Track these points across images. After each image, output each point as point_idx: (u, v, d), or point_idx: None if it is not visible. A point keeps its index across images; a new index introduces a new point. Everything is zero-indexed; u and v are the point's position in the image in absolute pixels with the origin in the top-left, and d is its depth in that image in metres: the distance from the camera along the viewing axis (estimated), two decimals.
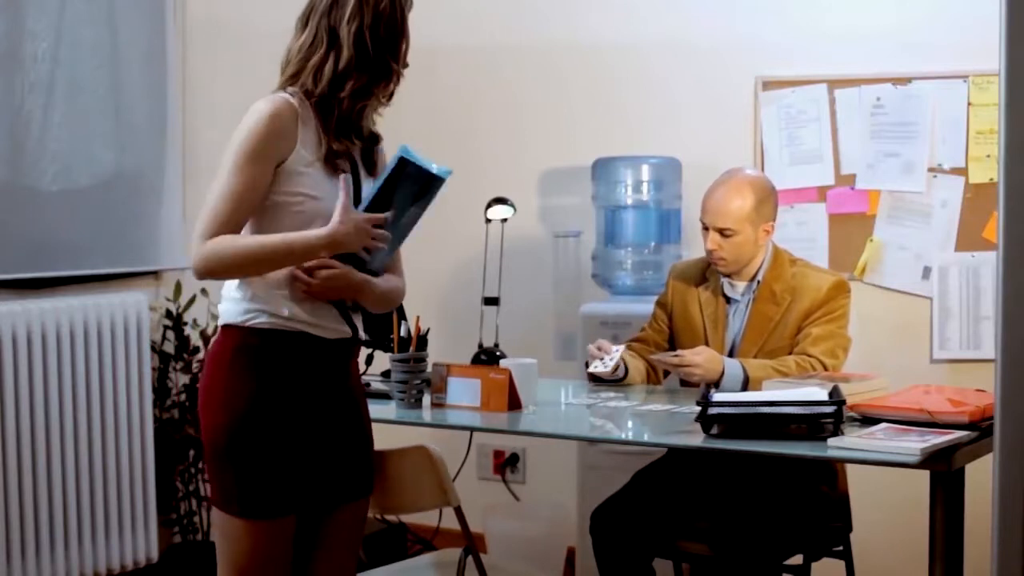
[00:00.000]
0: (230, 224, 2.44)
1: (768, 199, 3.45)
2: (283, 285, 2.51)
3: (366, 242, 2.51)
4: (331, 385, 2.60)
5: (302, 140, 2.50)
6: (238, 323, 2.52)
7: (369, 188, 2.59)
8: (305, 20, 2.56)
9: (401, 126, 4.85)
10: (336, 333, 2.57)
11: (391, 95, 2.60)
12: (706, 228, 3.43)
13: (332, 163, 2.52)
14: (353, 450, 2.65)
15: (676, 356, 3.31)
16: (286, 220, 2.50)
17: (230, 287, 2.56)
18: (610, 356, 3.40)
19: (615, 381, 3.45)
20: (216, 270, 2.46)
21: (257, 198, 2.47)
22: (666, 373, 3.54)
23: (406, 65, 2.58)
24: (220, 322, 2.58)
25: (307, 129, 2.51)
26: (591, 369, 3.41)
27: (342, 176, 2.49)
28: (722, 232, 3.39)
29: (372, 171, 2.65)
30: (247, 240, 2.47)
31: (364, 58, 2.50)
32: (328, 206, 2.48)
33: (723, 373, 3.27)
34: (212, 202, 2.46)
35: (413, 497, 2.90)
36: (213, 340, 2.61)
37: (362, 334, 2.66)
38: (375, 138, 2.68)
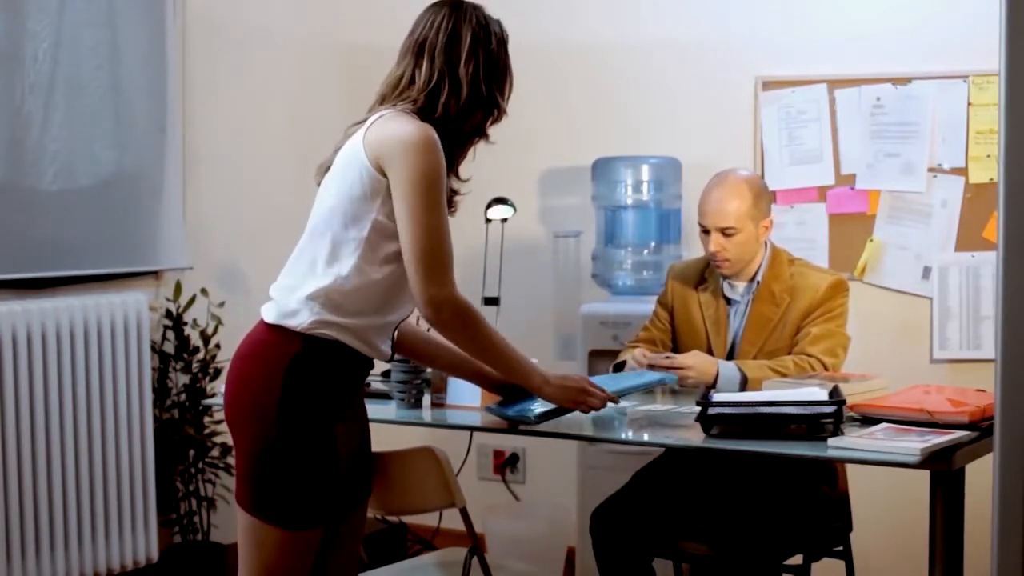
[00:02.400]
0: (447, 253, 2.51)
1: (763, 195, 3.46)
2: (382, 314, 2.55)
3: (578, 406, 2.78)
4: (358, 396, 2.66)
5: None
6: (300, 329, 2.48)
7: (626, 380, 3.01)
8: (419, 52, 2.58)
9: None
10: (379, 354, 2.60)
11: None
12: (706, 231, 3.43)
13: (451, 201, 2.61)
14: (364, 456, 2.68)
15: (667, 359, 3.30)
16: (389, 244, 2.51)
17: (304, 289, 2.50)
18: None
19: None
20: (458, 330, 2.56)
21: None
22: None
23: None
24: (274, 320, 2.50)
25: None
26: None
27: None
28: (724, 232, 3.39)
29: None
30: (496, 334, 2.62)
31: (479, 97, 2.58)
32: None
33: (718, 375, 3.27)
34: (432, 239, 2.47)
35: (418, 498, 2.90)
36: (256, 338, 2.53)
37: None
38: None
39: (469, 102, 2.56)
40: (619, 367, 3.50)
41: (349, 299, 2.49)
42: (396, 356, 3.28)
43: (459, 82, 2.55)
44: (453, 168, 2.64)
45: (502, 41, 2.63)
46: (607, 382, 3.00)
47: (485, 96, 2.58)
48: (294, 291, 2.51)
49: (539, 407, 2.87)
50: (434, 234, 2.46)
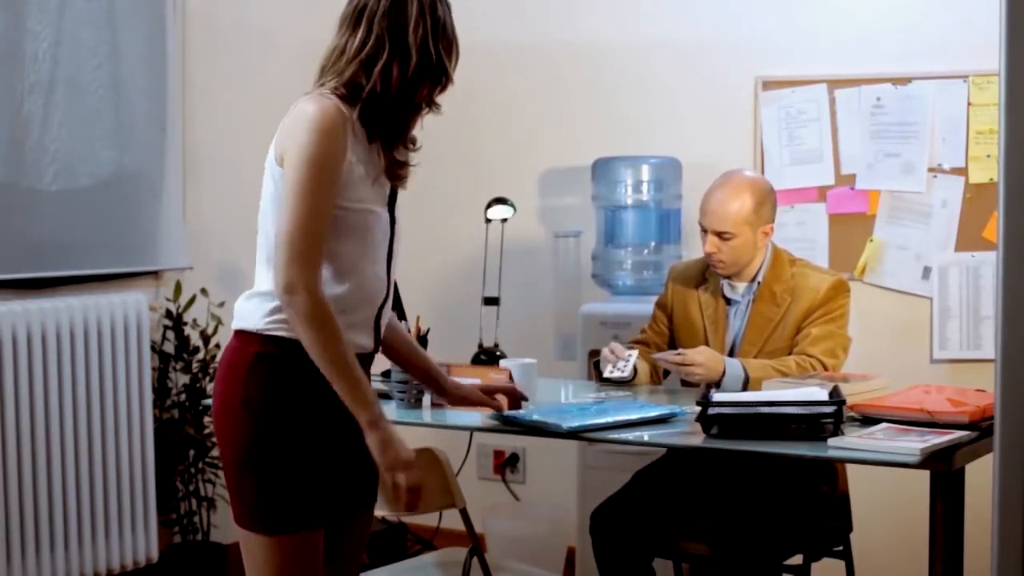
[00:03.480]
0: (321, 242, 2.35)
1: (766, 201, 3.44)
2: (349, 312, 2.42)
3: (386, 484, 2.41)
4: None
5: (352, 148, 2.40)
6: (256, 329, 2.43)
7: None
8: (355, 20, 2.43)
9: None
10: (358, 348, 2.45)
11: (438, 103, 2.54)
12: (705, 231, 3.43)
13: (393, 174, 2.48)
14: (360, 458, 2.53)
15: (678, 355, 3.31)
16: (346, 233, 2.40)
17: (259, 288, 2.45)
18: (625, 361, 3.39)
19: (624, 382, 3.46)
20: (308, 324, 2.33)
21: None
22: (666, 373, 3.54)
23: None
24: (235, 326, 2.48)
25: (356, 138, 2.41)
26: (608, 375, 3.40)
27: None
28: (721, 235, 3.38)
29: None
30: (345, 349, 2.36)
31: (428, 64, 2.42)
32: (381, 220, 2.45)
33: (724, 373, 3.27)
34: (309, 222, 2.32)
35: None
36: (227, 346, 2.50)
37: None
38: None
39: (419, 70, 2.41)
40: (599, 370, 3.51)
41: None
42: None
43: (408, 50, 2.40)
44: (402, 140, 2.49)
45: (448, 5, 2.48)
46: (614, 408, 3.03)
47: (435, 63, 2.43)
48: (250, 294, 2.48)
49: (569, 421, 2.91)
50: (312, 217, 2.32)
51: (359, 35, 2.41)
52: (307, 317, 2.32)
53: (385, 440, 2.36)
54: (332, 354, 2.34)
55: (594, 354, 4.11)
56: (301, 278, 2.31)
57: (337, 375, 2.34)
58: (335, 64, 2.43)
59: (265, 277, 2.43)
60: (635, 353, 3.42)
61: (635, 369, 3.43)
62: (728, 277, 3.47)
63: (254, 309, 2.45)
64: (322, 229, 2.33)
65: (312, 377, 2.38)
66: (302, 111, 2.37)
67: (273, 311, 2.41)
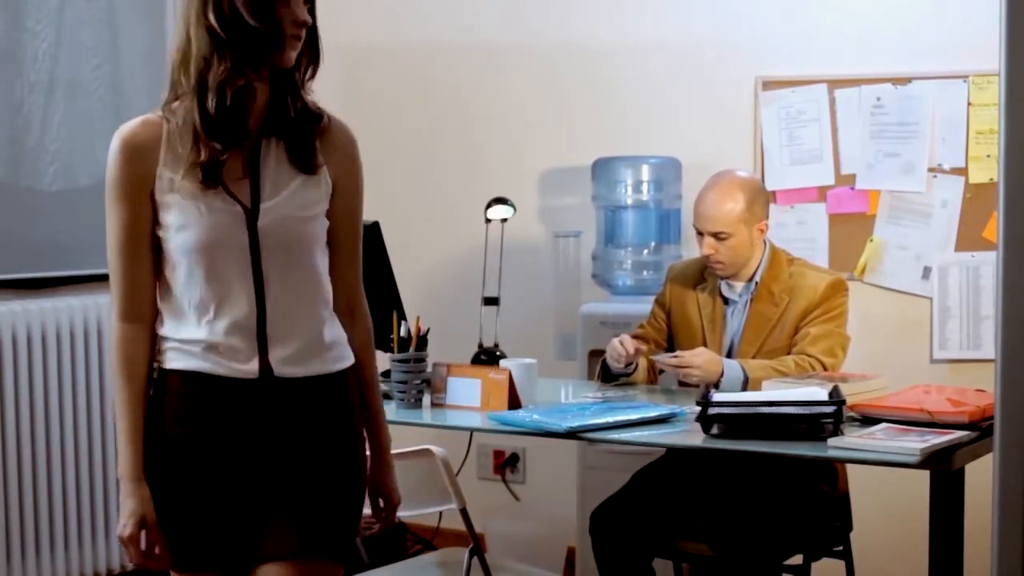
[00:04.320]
0: (116, 274, 2.18)
1: (759, 198, 3.45)
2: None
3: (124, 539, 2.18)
4: (247, 429, 2.18)
5: (164, 162, 2.15)
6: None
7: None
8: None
9: (401, 126, 4.88)
10: (237, 372, 2.17)
11: (309, 68, 2.19)
12: (701, 234, 3.43)
13: (209, 174, 2.12)
14: (254, 508, 2.19)
15: (675, 357, 3.32)
16: (164, 259, 2.18)
17: None
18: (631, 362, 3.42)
19: (625, 375, 3.47)
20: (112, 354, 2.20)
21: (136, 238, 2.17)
22: (660, 371, 3.55)
23: (304, 24, 2.14)
24: None
25: (173, 147, 2.15)
26: (613, 364, 3.43)
27: None
28: (717, 236, 3.39)
29: (310, 165, 2.19)
30: (122, 389, 2.18)
31: (223, 36, 2.09)
32: (202, 230, 2.13)
33: (722, 374, 3.27)
34: (109, 251, 2.18)
35: (418, 499, 2.89)
36: None
37: (288, 371, 2.19)
38: (308, 123, 2.20)
39: (214, 43, 2.09)
40: (605, 367, 3.51)
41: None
42: (394, 356, 3.30)
43: (201, 25, 2.09)
44: (223, 131, 2.13)
45: None
46: (603, 410, 3.03)
47: (242, 30, 2.08)
48: None
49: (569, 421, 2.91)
50: (109, 246, 2.18)
51: (177, 34, 2.19)
52: (112, 352, 2.22)
53: (122, 498, 2.19)
54: (117, 391, 2.19)
55: (594, 354, 4.11)
56: (111, 310, 2.21)
57: (116, 406, 2.20)
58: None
59: None
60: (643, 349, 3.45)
61: (635, 363, 3.46)
62: (727, 278, 3.48)
63: None
64: (114, 259, 2.17)
65: (175, 413, 2.20)
66: None
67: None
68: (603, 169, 4.35)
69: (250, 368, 2.16)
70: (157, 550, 2.18)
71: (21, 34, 3.98)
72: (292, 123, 2.18)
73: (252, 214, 2.15)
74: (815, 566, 3.32)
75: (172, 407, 2.19)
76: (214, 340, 2.16)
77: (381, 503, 2.37)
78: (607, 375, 3.51)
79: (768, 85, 4.27)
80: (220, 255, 2.14)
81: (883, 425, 2.81)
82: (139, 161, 2.16)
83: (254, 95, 2.16)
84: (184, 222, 2.13)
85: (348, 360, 2.27)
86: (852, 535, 3.40)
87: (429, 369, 3.29)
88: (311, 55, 2.20)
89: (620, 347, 3.41)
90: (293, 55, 2.14)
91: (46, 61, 4.04)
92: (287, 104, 2.18)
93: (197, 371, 2.17)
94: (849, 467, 3.36)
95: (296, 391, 2.19)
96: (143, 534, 2.16)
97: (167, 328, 2.19)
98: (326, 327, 2.23)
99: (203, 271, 2.14)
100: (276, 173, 2.17)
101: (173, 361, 2.18)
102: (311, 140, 2.20)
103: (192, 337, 2.17)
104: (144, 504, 2.17)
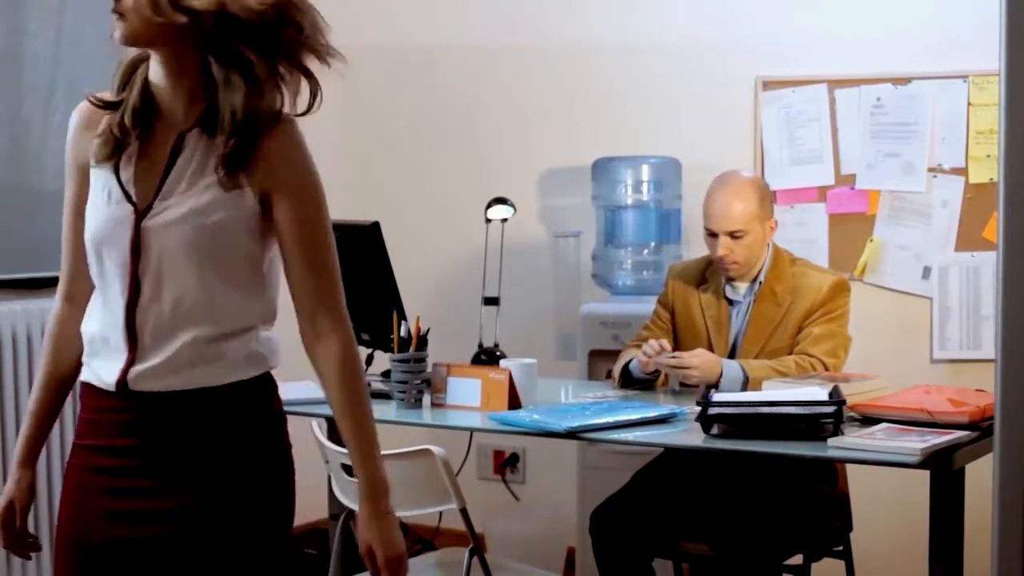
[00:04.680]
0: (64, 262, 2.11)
1: (767, 195, 3.50)
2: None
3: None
4: (112, 444, 2.07)
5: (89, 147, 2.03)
6: None
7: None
8: None
9: (401, 126, 4.89)
10: (101, 383, 2.06)
11: (250, 34, 1.98)
12: (713, 235, 3.43)
13: (99, 150, 1.99)
14: (153, 527, 2.00)
15: (673, 358, 3.31)
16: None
17: None
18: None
19: (648, 381, 3.47)
20: None
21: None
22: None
23: None
24: None
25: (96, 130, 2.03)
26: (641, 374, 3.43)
27: None
28: (733, 235, 3.39)
29: (226, 172, 1.96)
30: (40, 368, 2.22)
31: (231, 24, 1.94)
32: (93, 223, 2.00)
33: (721, 375, 3.27)
34: None
35: (418, 499, 2.89)
36: None
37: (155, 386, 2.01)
38: (244, 128, 1.95)
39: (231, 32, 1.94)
40: (626, 371, 3.49)
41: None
42: (394, 356, 3.30)
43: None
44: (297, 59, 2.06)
45: None
46: (604, 410, 3.03)
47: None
48: None
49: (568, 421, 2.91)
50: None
51: None
52: None
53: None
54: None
55: (594, 354, 4.11)
56: None
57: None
58: None
59: None
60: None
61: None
62: (737, 279, 3.47)
63: None
64: (62, 239, 2.09)
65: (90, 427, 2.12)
66: None
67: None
68: (603, 169, 4.35)
69: (108, 380, 2.02)
70: (27, 540, 2.14)
71: (21, 34, 3.98)
72: (225, 125, 1.94)
73: (143, 213, 1.96)
74: (815, 566, 3.32)
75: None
76: (91, 344, 2.05)
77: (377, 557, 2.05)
78: (627, 380, 3.50)
79: (768, 85, 4.27)
80: (105, 252, 1.99)
81: (883, 425, 2.81)
82: (78, 138, 2.04)
83: (147, 72, 1.98)
84: (89, 211, 2.01)
85: (236, 374, 2.00)
86: (852, 535, 3.40)
87: (429, 369, 3.29)
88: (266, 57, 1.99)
89: (656, 343, 3.38)
90: (118, 35, 1.92)
91: (46, 61, 4.03)
92: (227, 104, 1.94)
93: (82, 378, 2.12)
94: (849, 467, 3.36)
95: (157, 406, 1.99)
96: (8, 520, 2.12)
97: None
98: (217, 345, 1.98)
99: (94, 266, 2.02)
100: (190, 173, 1.96)
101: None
102: (241, 145, 1.94)
103: (84, 332, 2.08)
104: (16, 489, 2.13)
